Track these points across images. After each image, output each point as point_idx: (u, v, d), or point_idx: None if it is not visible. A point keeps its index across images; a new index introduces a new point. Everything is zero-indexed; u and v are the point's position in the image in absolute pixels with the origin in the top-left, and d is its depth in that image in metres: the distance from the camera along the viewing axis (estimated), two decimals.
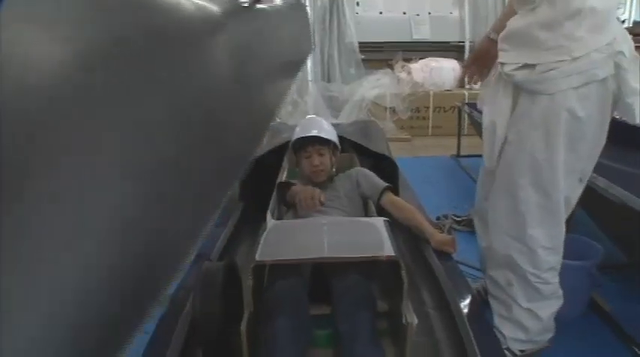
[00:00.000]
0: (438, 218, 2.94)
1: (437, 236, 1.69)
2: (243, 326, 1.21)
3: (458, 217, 3.02)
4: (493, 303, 1.84)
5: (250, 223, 1.88)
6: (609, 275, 2.10)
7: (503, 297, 1.78)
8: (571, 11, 1.41)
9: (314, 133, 1.90)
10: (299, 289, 1.36)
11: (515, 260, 1.69)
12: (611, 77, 1.46)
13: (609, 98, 1.49)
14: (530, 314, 1.73)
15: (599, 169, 1.91)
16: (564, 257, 1.88)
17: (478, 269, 2.19)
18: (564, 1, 1.41)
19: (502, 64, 1.60)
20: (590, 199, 2.31)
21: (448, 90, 5.48)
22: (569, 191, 1.62)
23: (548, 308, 1.75)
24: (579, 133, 1.51)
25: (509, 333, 1.77)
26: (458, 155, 4.46)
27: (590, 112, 1.48)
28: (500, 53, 1.62)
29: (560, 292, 1.76)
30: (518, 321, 1.75)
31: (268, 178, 2.02)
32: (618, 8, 1.59)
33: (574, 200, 1.68)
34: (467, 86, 5.70)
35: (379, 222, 1.51)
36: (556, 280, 1.73)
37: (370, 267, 1.43)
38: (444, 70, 5.54)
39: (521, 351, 1.80)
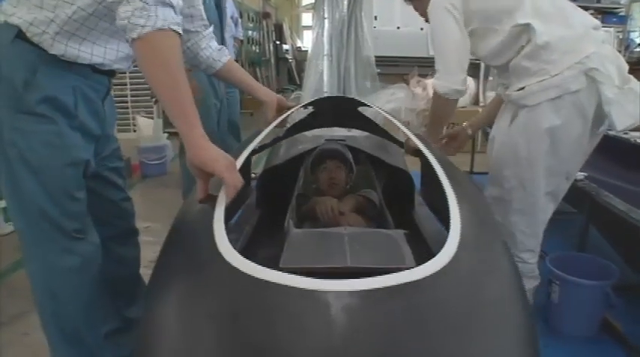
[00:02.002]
0: None
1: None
2: None
3: None
4: None
5: (267, 229, 1.89)
6: (623, 297, 2.09)
7: None
8: (543, 43, 1.75)
9: (335, 146, 1.95)
10: None
11: None
12: (587, 90, 1.73)
13: (585, 109, 1.76)
14: None
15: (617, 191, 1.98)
16: (580, 277, 1.96)
17: None
18: (539, 37, 1.75)
19: (506, 90, 1.93)
20: (605, 221, 2.32)
21: (463, 107, 5.48)
22: (553, 188, 1.90)
23: (526, 285, 1.94)
24: (558, 139, 1.79)
25: None
26: (471, 172, 4.46)
27: (566, 120, 1.77)
28: (508, 85, 1.94)
29: (537, 272, 2.04)
30: None
31: (285, 187, 2.04)
32: (595, 29, 1.84)
33: (562, 194, 1.98)
34: (481, 103, 5.72)
35: (399, 234, 1.53)
36: (534, 260, 2.01)
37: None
38: None
39: None
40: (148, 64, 1.13)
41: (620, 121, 1.74)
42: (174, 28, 1.13)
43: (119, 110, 5.31)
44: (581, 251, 2.38)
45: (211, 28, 1.72)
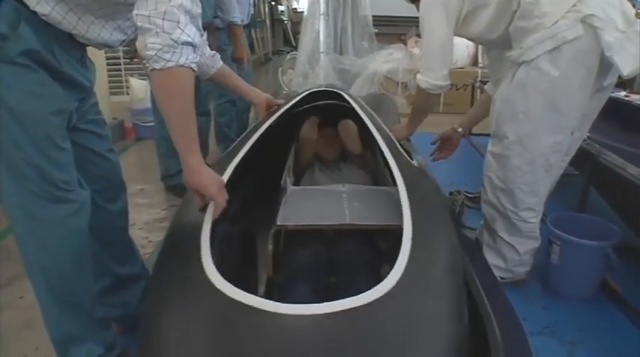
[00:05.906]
0: (450, 193, 2.93)
1: None
2: (261, 290, 1.21)
3: (470, 193, 3.01)
4: (485, 234, 2.19)
5: (261, 189, 1.87)
6: (622, 258, 2.08)
7: (491, 229, 2.13)
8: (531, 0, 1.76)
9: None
10: (320, 257, 1.35)
11: (499, 198, 2.02)
12: (585, 37, 1.69)
13: (586, 58, 1.73)
14: (510, 247, 2.08)
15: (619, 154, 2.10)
16: (580, 237, 1.93)
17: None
18: None
19: (509, 56, 1.91)
20: (606, 181, 2.29)
21: (461, 67, 5.41)
22: (558, 147, 1.89)
23: (526, 246, 2.08)
24: (557, 91, 1.77)
25: (491, 260, 2.07)
26: (469, 133, 4.41)
27: (565, 71, 1.74)
28: (509, 51, 1.92)
29: (538, 233, 2.06)
30: (500, 251, 2.11)
31: (279, 147, 2.03)
32: None
33: (570, 153, 2.05)
34: (480, 64, 5.64)
35: (396, 191, 1.50)
36: (534, 221, 2.03)
37: (380, 235, 1.43)
38: (457, 48, 5.38)
39: (502, 278, 2.10)
40: (165, 94, 1.25)
41: (625, 65, 1.71)
42: (192, 66, 1.24)
43: (112, 73, 5.21)
44: (582, 213, 2.36)
45: (205, 36, 1.76)
